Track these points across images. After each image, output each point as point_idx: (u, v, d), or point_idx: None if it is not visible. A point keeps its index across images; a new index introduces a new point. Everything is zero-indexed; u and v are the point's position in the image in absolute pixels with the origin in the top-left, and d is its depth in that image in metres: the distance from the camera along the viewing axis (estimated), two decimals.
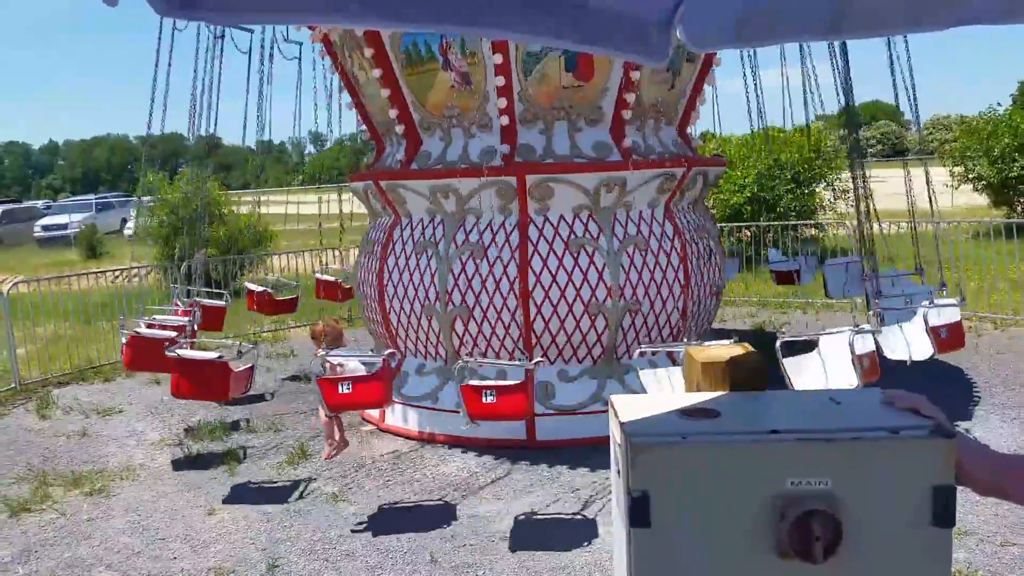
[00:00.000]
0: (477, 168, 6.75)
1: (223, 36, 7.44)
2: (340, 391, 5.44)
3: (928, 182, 7.39)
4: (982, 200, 20.43)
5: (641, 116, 7.12)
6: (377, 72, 7.04)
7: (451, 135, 7.20)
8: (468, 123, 7.08)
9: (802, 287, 10.13)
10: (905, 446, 1.58)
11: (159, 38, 6.93)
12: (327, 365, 5.88)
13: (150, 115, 7.48)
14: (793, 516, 1.53)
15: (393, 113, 7.28)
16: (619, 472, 1.70)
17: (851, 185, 7.88)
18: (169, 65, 7.10)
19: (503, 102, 6.76)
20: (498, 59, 6.63)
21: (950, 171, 19.87)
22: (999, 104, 19.44)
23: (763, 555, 1.57)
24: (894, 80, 6.97)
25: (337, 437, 6.31)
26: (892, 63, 6.88)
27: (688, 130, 7.89)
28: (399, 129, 7.41)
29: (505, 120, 6.84)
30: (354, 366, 5.84)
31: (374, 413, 7.28)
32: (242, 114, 8.36)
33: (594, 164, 6.76)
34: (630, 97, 6.79)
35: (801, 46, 8.34)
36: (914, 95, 7.16)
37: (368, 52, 7.02)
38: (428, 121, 7.30)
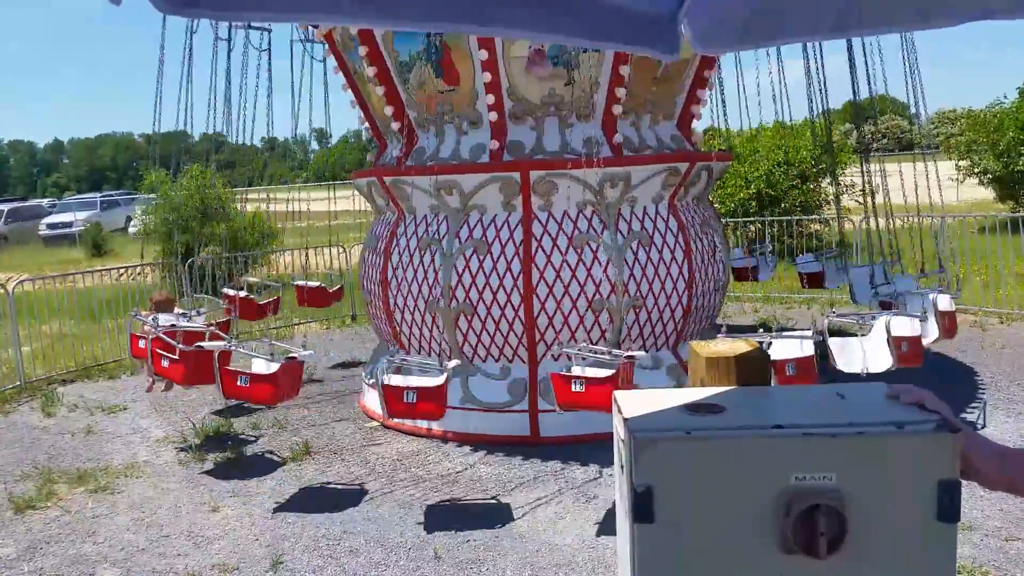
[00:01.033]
0: (476, 164, 6.79)
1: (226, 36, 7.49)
2: (139, 345, 6.99)
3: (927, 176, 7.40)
4: (988, 194, 20.37)
5: (531, 114, 6.98)
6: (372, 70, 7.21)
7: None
8: (390, 129, 7.60)
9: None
10: (910, 441, 1.56)
11: (181, 40, 6.99)
12: (146, 328, 7.08)
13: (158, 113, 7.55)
14: (797, 511, 1.52)
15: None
16: (623, 467, 1.69)
17: (856, 180, 7.89)
18: (162, 62, 7.13)
19: (390, 109, 7.26)
20: (372, 72, 7.07)
21: (956, 165, 19.81)
22: (1005, 96, 19.31)
23: (767, 550, 1.56)
24: (907, 76, 6.97)
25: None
26: (905, 57, 6.90)
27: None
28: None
29: (396, 125, 7.33)
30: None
31: (377, 410, 7.28)
32: (251, 111, 8.39)
33: (599, 159, 6.74)
34: (490, 99, 6.84)
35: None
36: (921, 89, 7.16)
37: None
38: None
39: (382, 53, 7.11)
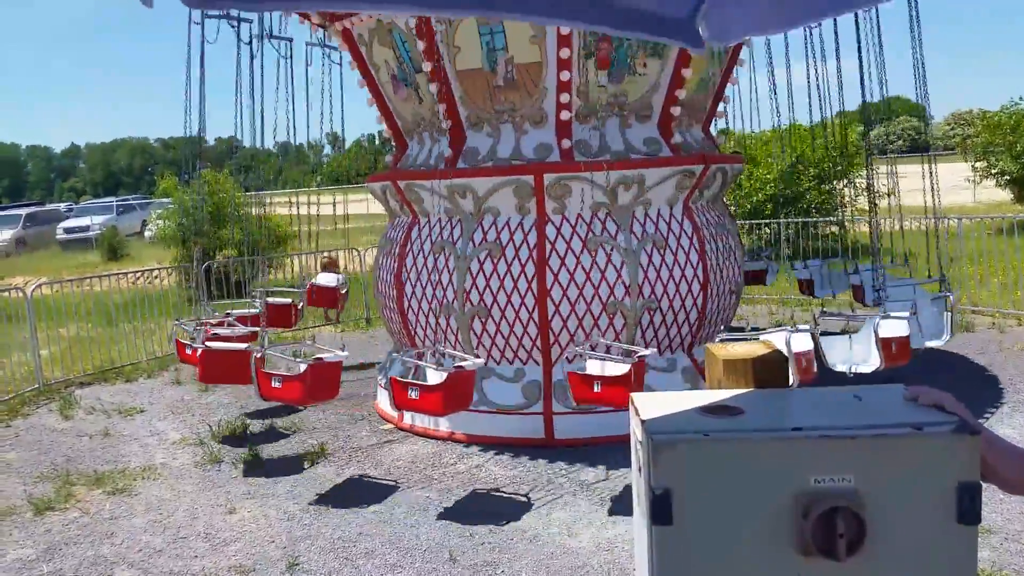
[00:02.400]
0: (490, 167, 6.81)
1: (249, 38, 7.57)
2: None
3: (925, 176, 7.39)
4: (1006, 195, 20.20)
5: (413, 130, 7.70)
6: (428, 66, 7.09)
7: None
8: (415, 130, 7.85)
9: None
10: (929, 443, 1.55)
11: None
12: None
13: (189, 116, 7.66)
14: (816, 513, 1.51)
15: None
16: (640, 469, 1.69)
17: (872, 181, 7.85)
18: (193, 66, 7.20)
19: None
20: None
21: (972, 166, 19.66)
22: (1021, 99, 19.17)
23: (786, 553, 1.55)
24: (915, 76, 6.94)
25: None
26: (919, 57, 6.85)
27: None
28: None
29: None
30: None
31: (393, 413, 7.30)
32: (263, 115, 8.43)
33: (612, 162, 6.74)
34: (383, 118, 7.78)
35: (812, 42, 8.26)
36: (922, 89, 7.13)
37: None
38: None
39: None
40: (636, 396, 1.81)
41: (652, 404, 1.76)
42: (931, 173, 7.17)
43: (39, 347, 9.55)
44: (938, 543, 1.56)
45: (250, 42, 7.55)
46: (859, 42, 6.81)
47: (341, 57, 8.60)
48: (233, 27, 7.30)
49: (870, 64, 6.84)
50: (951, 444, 1.55)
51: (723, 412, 1.70)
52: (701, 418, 1.68)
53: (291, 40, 8.43)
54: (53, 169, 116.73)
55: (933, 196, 7.11)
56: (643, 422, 1.66)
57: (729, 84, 8.10)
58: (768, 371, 1.87)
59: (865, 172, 8.01)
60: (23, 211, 33.95)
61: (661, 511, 1.55)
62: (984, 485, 1.58)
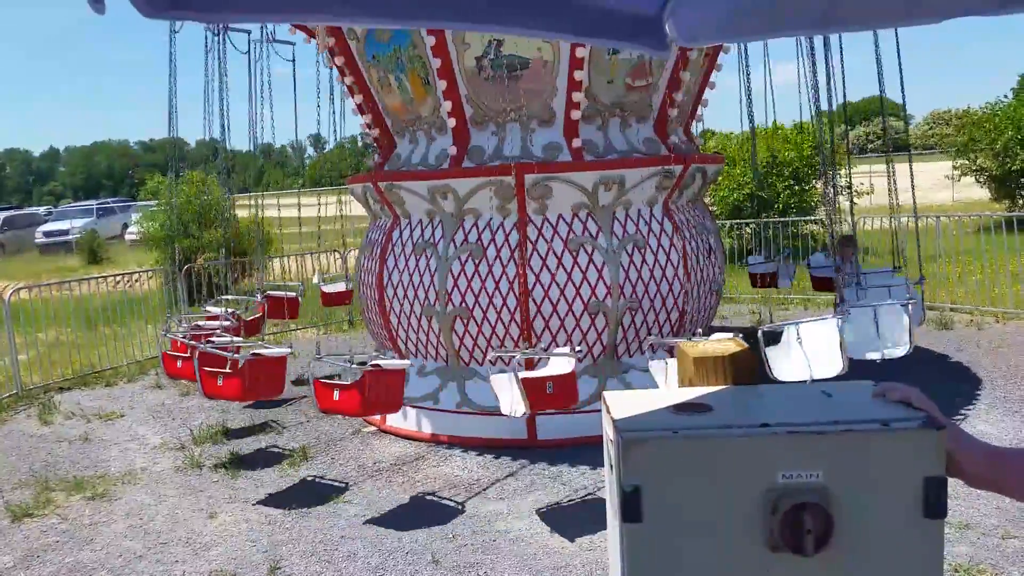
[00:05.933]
0: (471, 168, 6.83)
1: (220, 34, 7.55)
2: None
3: (890, 176, 7.49)
4: (984, 193, 20.41)
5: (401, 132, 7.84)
6: (349, 80, 7.30)
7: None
8: (404, 130, 7.80)
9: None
10: (896, 438, 1.57)
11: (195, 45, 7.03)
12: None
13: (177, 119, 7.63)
14: (784, 509, 1.53)
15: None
16: (612, 467, 1.70)
17: (849, 181, 7.93)
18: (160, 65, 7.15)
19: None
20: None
21: (952, 164, 19.86)
22: (1005, 97, 19.39)
23: (755, 548, 1.57)
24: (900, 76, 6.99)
25: None
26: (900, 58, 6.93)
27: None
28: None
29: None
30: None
31: (375, 415, 7.28)
32: (246, 117, 8.48)
33: (593, 162, 6.76)
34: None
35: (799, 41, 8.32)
36: (880, 87, 7.22)
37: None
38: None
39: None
40: (608, 395, 1.82)
41: (623, 402, 1.77)
42: (921, 172, 7.26)
43: (17, 352, 9.46)
44: (905, 537, 1.58)
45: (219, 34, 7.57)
46: (827, 45, 6.87)
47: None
48: (208, 27, 7.26)
49: (830, 69, 6.90)
50: (917, 439, 1.57)
51: (692, 409, 1.71)
52: (671, 416, 1.69)
53: (249, 32, 8.38)
54: (32, 172, 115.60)
55: (908, 193, 7.17)
56: (614, 421, 1.67)
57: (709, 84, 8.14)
58: (738, 368, 1.88)
59: (834, 172, 8.05)
60: (1, 215, 33.60)
61: (631, 508, 1.56)
62: (952, 480, 1.60)
